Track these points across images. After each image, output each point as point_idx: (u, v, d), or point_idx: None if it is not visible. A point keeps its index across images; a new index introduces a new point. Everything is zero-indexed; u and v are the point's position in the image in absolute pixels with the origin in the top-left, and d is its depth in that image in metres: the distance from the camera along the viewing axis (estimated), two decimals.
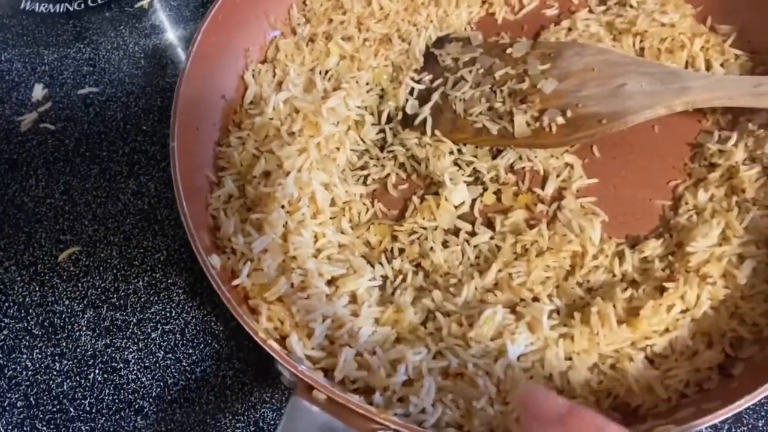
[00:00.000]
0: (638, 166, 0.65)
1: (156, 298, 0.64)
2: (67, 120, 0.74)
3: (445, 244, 0.61)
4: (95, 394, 0.60)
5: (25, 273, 0.66)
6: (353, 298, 0.58)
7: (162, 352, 0.62)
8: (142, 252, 0.66)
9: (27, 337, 0.63)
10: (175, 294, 0.64)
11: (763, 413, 0.57)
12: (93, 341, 0.62)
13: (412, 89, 0.69)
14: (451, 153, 0.65)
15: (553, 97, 0.64)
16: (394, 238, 0.62)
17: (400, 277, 0.60)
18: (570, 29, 0.72)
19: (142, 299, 0.64)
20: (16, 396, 0.61)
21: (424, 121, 0.66)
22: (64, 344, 0.63)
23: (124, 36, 0.80)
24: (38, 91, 0.76)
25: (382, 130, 0.68)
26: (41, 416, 0.60)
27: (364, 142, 0.67)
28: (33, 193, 0.70)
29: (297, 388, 0.47)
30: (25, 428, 0.59)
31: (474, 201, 0.64)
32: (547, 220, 0.62)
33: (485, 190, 0.64)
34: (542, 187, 0.64)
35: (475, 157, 0.65)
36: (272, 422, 0.58)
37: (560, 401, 0.40)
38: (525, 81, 0.66)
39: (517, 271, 0.58)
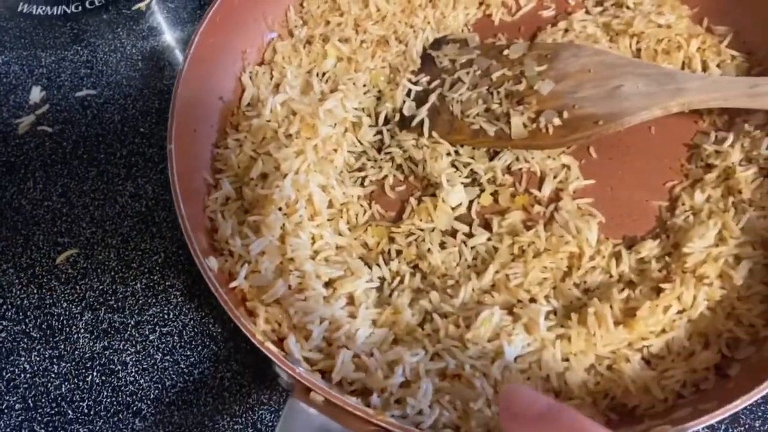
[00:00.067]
0: (635, 167, 0.65)
1: (154, 300, 0.64)
2: (65, 122, 0.74)
3: (442, 246, 0.62)
4: (93, 397, 0.60)
5: (22, 275, 0.66)
6: (351, 300, 0.58)
7: (160, 354, 0.62)
8: (140, 254, 0.66)
9: (25, 340, 0.63)
10: (172, 296, 0.64)
11: (759, 413, 0.57)
12: (91, 343, 0.63)
13: (410, 91, 0.69)
14: (449, 154, 0.65)
15: (550, 99, 0.64)
16: (392, 240, 0.62)
17: (398, 278, 0.60)
18: (567, 30, 0.72)
19: (140, 301, 0.64)
20: (14, 398, 0.61)
21: (422, 122, 0.66)
22: (62, 346, 0.63)
23: (122, 38, 0.80)
24: (36, 94, 0.76)
25: (380, 132, 0.68)
26: (39, 419, 0.60)
27: (361, 143, 0.67)
28: (31, 196, 0.70)
29: (294, 389, 0.47)
30: (23, 431, 0.59)
31: (471, 202, 0.64)
32: (544, 221, 0.62)
33: (482, 191, 0.64)
34: (539, 189, 0.64)
35: (473, 158, 0.66)
36: (270, 424, 0.58)
37: (542, 400, 0.39)
38: (522, 82, 0.66)
39: (514, 272, 0.58)
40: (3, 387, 0.61)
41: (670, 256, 0.59)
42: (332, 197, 0.63)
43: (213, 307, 0.63)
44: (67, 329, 0.63)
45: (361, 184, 0.66)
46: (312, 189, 0.60)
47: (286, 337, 0.54)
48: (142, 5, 0.82)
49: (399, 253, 0.62)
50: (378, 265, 0.61)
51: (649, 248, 0.59)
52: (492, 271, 0.59)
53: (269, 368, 0.50)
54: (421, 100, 0.68)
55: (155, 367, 0.61)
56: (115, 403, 0.60)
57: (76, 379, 0.61)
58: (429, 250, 0.61)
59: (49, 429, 0.59)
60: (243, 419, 0.59)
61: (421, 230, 0.62)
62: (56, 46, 0.80)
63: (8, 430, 0.59)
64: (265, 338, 0.51)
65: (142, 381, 0.61)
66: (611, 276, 0.59)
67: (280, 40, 0.72)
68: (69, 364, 0.62)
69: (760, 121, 0.63)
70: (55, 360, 0.62)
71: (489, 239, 0.61)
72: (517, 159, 0.65)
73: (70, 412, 0.60)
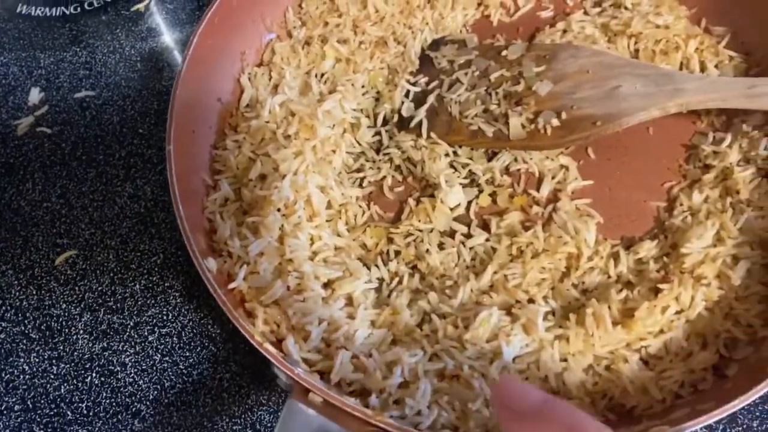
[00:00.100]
0: (633, 167, 0.65)
1: (153, 301, 0.64)
2: (64, 124, 0.74)
3: (440, 246, 0.62)
4: (92, 398, 0.60)
5: (22, 277, 0.66)
6: (349, 301, 0.58)
7: (159, 355, 0.62)
8: (139, 255, 0.66)
9: (24, 341, 0.63)
10: (171, 297, 0.64)
11: (757, 413, 0.57)
12: (90, 344, 0.63)
13: (408, 92, 0.69)
14: (447, 155, 0.65)
15: (548, 99, 0.64)
16: (390, 241, 0.62)
17: (396, 279, 0.60)
18: (565, 31, 0.72)
19: (139, 302, 0.64)
20: (14, 400, 0.61)
21: (420, 123, 0.66)
22: (61, 348, 0.63)
23: (121, 39, 0.80)
24: (35, 95, 0.76)
25: (378, 133, 0.68)
26: (38, 420, 0.60)
27: (360, 144, 0.67)
28: (30, 197, 0.70)
29: (293, 390, 0.48)
30: None
31: (469, 203, 0.64)
32: (542, 221, 0.62)
33: (481, 192, 0.64)
34: (537, 189, 0.64)
35: (471, 159, 0.66)
36: (269, 425, 0.59)
37: (537, 393, 0.38)
38: (520, 83, 0.66)
39: (512, 272, 0.58)
40: (2, 388, 0.61)
41: (668, 256, 0.59)
42: (331, 198, 0.63)
43: (212, 308, 0.63)
44: (66, 330, 0.63)
45: (360, 185, 0.66)
46: (311, 190, 0.60)
47: (285, 338, 0.54)
48: (140, 6, 0.83)
49: (398, 253, 0.62)
50: (377, 265, 0.61)
51: (647, 249, 0.59)
52: (490, 271, 0.59)
53: (268, 369, 0.50)
54: (419, 101, 0.68)
55: (154, 368, 0.61)
56: (114, 404, 0.60)
57: (75, 380, 0.61)
58: (427, 250, 0.61)
59: (48, 430, 0.59)
60: (242, 420, 0.59)
61: (420, 231, 0.62)
62: (55, 48, 0.80)
63: (7, 431, 0.59)
64: (263, 339, 0.51)
65: (141, 382, 0.61)
66: (609, 276, 0.59)
67: (279, 41, 0.72)
68: (68, 365, 0.62)
69: (758, 122, 0.63)
70: (54, 361, 0.62)
71: (487, 240, 0.62)
72: (516, 160, 0.65)
73: (69, 413, 0.60)
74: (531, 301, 0.57)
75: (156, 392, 0.60)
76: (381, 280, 0.61)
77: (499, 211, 0.64)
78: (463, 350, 0.54)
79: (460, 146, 0.66)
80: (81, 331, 0.63)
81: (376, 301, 0.59)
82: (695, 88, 0.60)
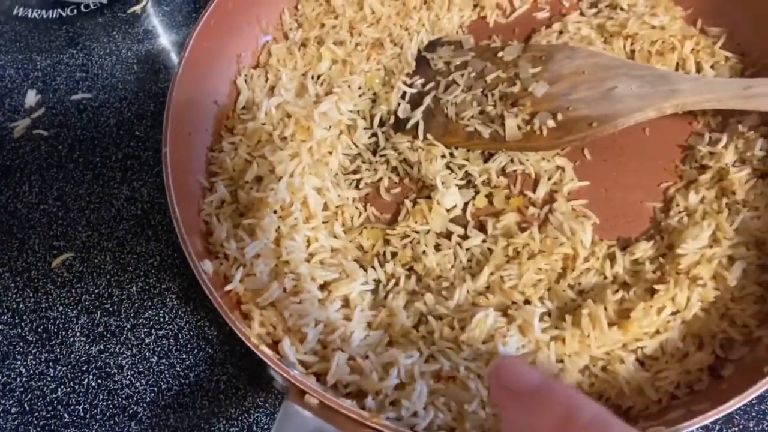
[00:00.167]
0: (629, 168, 0.65)
1: (149, 303, 0.64)
2: (60, 126, 0.74)
3: (437, 248, 0.62)
4: (89, 400, 0.60)
5: (18, 279, 0.66)
6: (346, 303, 0.58)
7: (156, 358, 0.62)
8: (136, 257, 0.66)
9: (21, 344, 0.63)
10: (168, 299, 0.64)
11: (753, 414, 0.57)
12: (87, 347, 0.63)
13: (404, 93, 0.69)
14: (443, 157, 0.66)
15: (544, 101, 0.64)
16: (387, 242, 0.62)
17: (393, 280, 0.60)
18: (561, 32, 0.72)
19: (136, 305, 0.64)
20: (11, 402, 0.61)
21: (416, 124, 0.66)
22: (58, 350, 0.63)
23: (117, 41, 0.80)
24: (31, 97, 0.76)
25: (375, 134, 0.68)
26: (35, 422, 0.60)
27: (356, 146, 0.67)
28: (26, 200, 0.70)
29: (289, 392, 0.48)
30: None
31: (466, 204, 0.64)
32: (538, 223, 0.62)
33: (477, 193, 0.64)
34: (534, 190, 0.64)
35: (467, 160, 0.66)
36: (265, 426, 0.59)
37: (535, 374, 0.37)
38: (516, 84, 0.66)
39: (508, 274, 0.58)
40: None
41: (665, 257, 0.59)
42: (327, 200, 0.63)
43: (208, 311, 0.63)
44: (63, 333, 0.63)
45: (356, 187, 0.66)
46: (307, 192, 0.60)
47: (281, 340, 0.54)
48: (137, 8, 0.83)
49: (394, 255, 0.62)
50: (373, 267, 0.61)
51: (644, 249, 0.59)
52: (487, 272, 0.59)
53: (264, 371, 0.50)
54: (415, 102, 0.68)
55: (151, 370, 0.61)
56: (111, 406, 0.60)
57: (72, 383, 0.61)
58: (424, 252, 0.61)
59: None
60: (238, 422, 0.59)
61: (416, 232, 0.62)
62: (52, 50, 0.80)
63: None
64: (259, 341, 0.51)
65: (138, 384, 0.61)
66: (605, 277, 0.59)
67: (275, 43, 0.72)
68: (65, 368, 0.62)
69: (754, 123, 0.64)
70: (51, 363, 0.62)
71: (484, 241, 0.62)
72: (512, 161, 0.65)
73: (66, 415, 0.60)
74: (527, 302, 0.58)
75: (153, 394, 0.60)
76: (377, 281, 0.61)
77: (496, 212, 0.64)
78: (460, 351, 0.54)
79: (457, 147, 0.66)
80: (78, 334, 0.63)
81: (373, 303, 0.59)
82: (691, 89, 0.61)
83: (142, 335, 0.63)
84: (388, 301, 0.58)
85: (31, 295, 0.65)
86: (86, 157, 0.72)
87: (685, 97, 0.60)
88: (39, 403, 0.61)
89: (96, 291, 0.65)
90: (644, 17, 0.70)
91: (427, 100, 0.67)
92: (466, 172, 0.65)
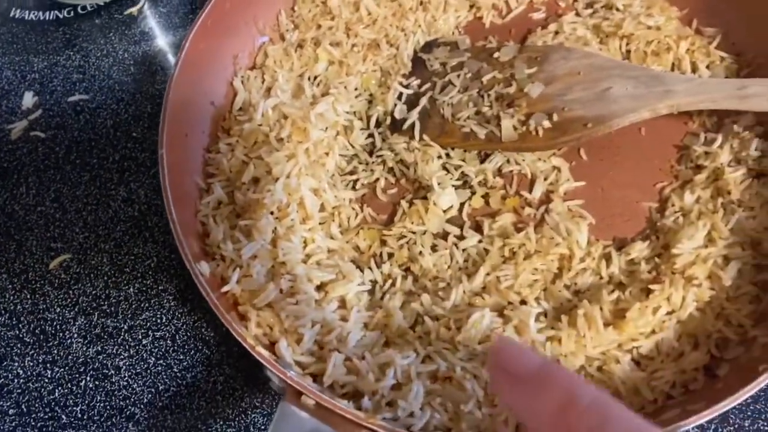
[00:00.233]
0: (625, 168, 0.65)
1: (147, 304, 0.64)
2: (58, 128, 0.74)
3: (433, 248, 0.62)
4: (87, 401, 0.61)
5: (16, 281, 0.66)
6: (342, 303, 0.58)
7: (153, 359, 0.62)
8: (133, 259, 0.66)
9: (18, 345, 0.63)
10: (165, 300, 0.64)
11: (749, 413, 0.58)
12: (84, 348, 0.63)
13: (401, 94, 0.69)
14: (440, 157, 0.66)
15: (540, 101, 0.64)
16: (383, 243, 0.62)
17: (389, 281, 0.61)
18: (557, 33, 0.72)
19: (133, 306, 0.64)
20: (8, 404, 0.61)
21: (413, 125, 0.66)
22: (55, 351, 0.63)
23: (114, 43, 0.80)
24: (28, 99, 0.76)
25: (371, 135, 0.68)
26: (33, 423, 0.60)
27: (353, 147, 0.68)
28: (23, 201, 0.70)
29: (286, 393, 0.48)
30: None
31: (462, 205, 0.64)
32: (534, 223, 0.62)
33: (473, 193, 0.64)
34: (530, 191, 0.64)
35: (463, 161, 0.66)
36: (263, 427, 0.59)
37: (533, 357, 0.37)
38: (512, 85, 0.66)
39: (504, 274, 0.59)
40: None
41: (660, 257, 0.59)
42: (324, 201, 0.63)
43: (205, 312, 0.63)
44: (61, 334, 0.63)
45: (353, 188, 0.66)
46: (303, 193, 0.60)
47: (278, 341, 0.54)
48: (134, 10, 0.83)
49: (390, 255, 0.62)
50: (370, 268, 0.61)
51: (639, 249, 0.60)
52: (483, 273, 0.59)
53: (261, 372, 0.50)
54: (412, 103, 0.68)
55: (148, 371, 0.61)
56: (108, 407, 0.60)
57: (69, 384, 0.61)
58: (420, 252, 0.61)
59: None
60: (235, 423, 0.59)
61: (413, 233, 0.62)
62: (48, 51, 0.80)
63: None
64: (256, 342, 0.51)
65: (135, 385, 0.61)
66: (601, 277, 0.59)
67: (272, 44, 0.72)
68: (62, 369, 0.62)
69: (749, 123, 0.64)
70: (48, 365, 0.62)
71: (480, 241, 0.62)
72: (508, 161, 0.65)
73: (63, 416, 0.60)
74: (523, 302, 0.58)
75: (150, 395, 0.60)
76: (374, 282, 0.61)
77: (492, 212, 0.64)
78: (456, 352, 0.55)
79: (453, 148, 0.66)
80: (75, 335, 0.63)
81: (369, 304, 0.59)
82: (685, 90, 0.61)
83: (140, 336, 0.63)
84: (384, 302, 0.59)
85: (28, 296, 0.65)
86: (83, 158, 0.72)
87: (679, 98, 0.60)
88: (36, 405, 0.61)
89: (93, 292, 0.65)
90: (640, 18, 0.70)
91: (424, 101, 0.67)
92: (462, 172, 0.65)
